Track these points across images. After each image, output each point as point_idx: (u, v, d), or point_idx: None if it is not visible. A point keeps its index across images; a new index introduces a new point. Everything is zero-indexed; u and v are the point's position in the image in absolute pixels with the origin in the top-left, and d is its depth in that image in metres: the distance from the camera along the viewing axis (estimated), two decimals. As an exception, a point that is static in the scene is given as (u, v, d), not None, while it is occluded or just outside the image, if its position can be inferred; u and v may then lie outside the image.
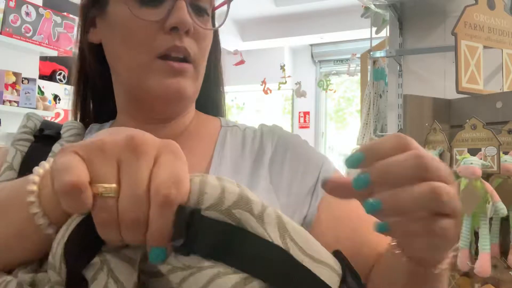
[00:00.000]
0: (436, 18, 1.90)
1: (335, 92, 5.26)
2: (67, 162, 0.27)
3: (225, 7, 0.59)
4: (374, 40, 2.09)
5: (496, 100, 1.32)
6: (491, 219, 1.19)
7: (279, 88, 4.79)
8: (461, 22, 1.45)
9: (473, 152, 1.23)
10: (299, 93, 4.84)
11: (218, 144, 0.57)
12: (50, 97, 3.05)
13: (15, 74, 2.60)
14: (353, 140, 2.06)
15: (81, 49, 0.58)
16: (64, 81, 3.30)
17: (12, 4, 2.58)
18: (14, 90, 2.59)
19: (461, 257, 1.21)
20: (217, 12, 0.60)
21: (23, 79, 2.63)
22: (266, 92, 4.84)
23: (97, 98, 0.62)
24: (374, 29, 2.06)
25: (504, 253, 1.20)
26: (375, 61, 1.97)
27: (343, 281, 0.30)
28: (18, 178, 0.46)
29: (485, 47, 1.48)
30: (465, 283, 1.28)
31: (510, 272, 1.16)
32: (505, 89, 1.49)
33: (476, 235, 1.21)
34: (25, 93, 2.63)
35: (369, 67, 2.06)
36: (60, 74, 3.29)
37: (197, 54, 0.52)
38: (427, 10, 1.92)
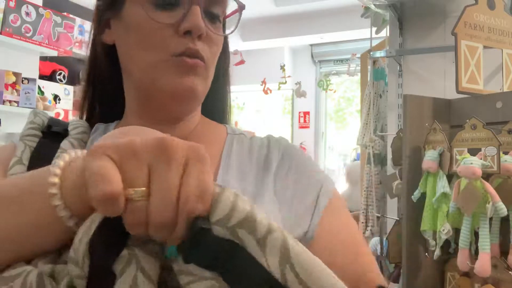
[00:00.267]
0: (436, 18, 1.90)
1: (335, 92, 5.26)
2: (102, 169, 0.28)
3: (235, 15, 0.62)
4: (374, 40, 2.09)
5: (496, 100, 1.32)
6: (491, 219, 1.19)
7: (279, 88, 4.79)
8: (461, 22, 1.45)
9: (473, 152, 1.23)
10: (299, 93, 4.84)
11: (225, 151, 0.58)
12: (50, 97, 3.05)
13: (15, 74, 2.60)
14: (353, 140, 2.06)
15: (93, 50, 0.60)
16: (64, 81, 3.30)
17: (12, 4, 2.58)
18: (14, 90, 2.59)
19: (461, 257, 1.21)
20: (227, 19, 0.62)
21: (23, 79, 2.63)
22: (266, 92, 4.84)
23: (104, 98, 0.63)
24: (374, 29, 2.06)
25: (504, 253, 1.20)
26: (375, 61, 1.97)
27: None
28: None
29: (485, 47, 1.48)
30: (465, 283, 1.28)
31: (510, 272, 1.16)
32: (505, 89, 1.48)
33: (476, 235, 1.21)
34: (25, 93, 2.63)
35: (369, 67, 2.06)
36: (60, 74, 3.29)
37: (209, 58, 0.54)
38: (427, 10, 1.92)
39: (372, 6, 1.92)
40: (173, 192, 0.28)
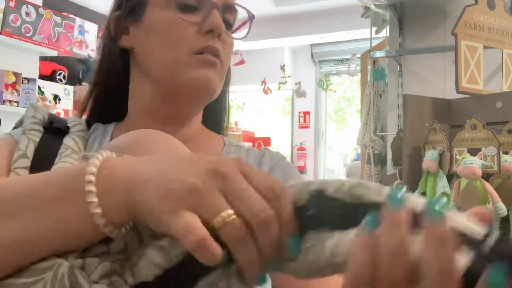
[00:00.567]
0: (436, 18, 1.90)
1: (335, 92, 5.26)
2: (184, 225, 0.30)
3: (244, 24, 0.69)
4: (374, 40, 2.09)
5: (496, 100, 1.32)
6: (491, 219, 1.19)
7: (279, 88, 4.79)
8: (461, 22, 1.45)
9: (473, 152, 1.23)
10: (299, 93, 4.84)
11: None
12: (50, 97, 3.05)
13: (15, 74, 2.60)
14: (353, 140, 2.06)
15: (104, 55, 0.62)
16: (64, 81, 3.30)
17: (12, 4, 2.58)
18: (14, 90, 2.59)
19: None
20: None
21: (23, 79, 2.63)
22: (266, 92, 4.84)
23: (107, 100, 0.65)
24: (374, 29, 2.06)
25: (504, 253, 1.20)
26: (375, 61, 1.97)
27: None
28: (31, 166, 0.49)
29: (485, 47, 1.48)
30: (465, 283, 1.28)
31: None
32: (505, 89, 1.48)
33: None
34: (25, 93, 2.63)
35: (369, 67, 2.06)
36: (60, 74, 3.29)
37: (224, 58, 0.58)
38: (427, 10, 1.92)
39: (372, 6, 1.92)
40: (261, 202, 0.31)
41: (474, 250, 0.27)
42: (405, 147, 1.38)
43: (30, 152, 0.51)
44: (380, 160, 1.83)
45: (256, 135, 5.17)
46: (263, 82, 4.78)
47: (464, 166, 1.18)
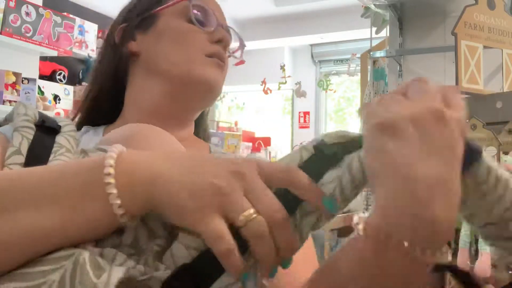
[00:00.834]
0: (436, 18, 1.90)
1: (335, 92, 5.26)
2: (215, 231, 0.33)
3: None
4: (374, 40, 2.09)
5: (496, 100, 1.32)
6: (491, 219, 1.19)
7: (279, 88, 4.79)
8: (461, 22, 1.45)
9: (473, 152, 1.24)
10: (299, 93, 4.84)
11: None
12: (50, 97, 3.05)
13: (15, 74, 2.60)
14: (353, 140, 2.06)
15: (104, 61, 0.66)
16: (64, 81, 3.30)
17: (12, 4, 2.58)
18: (14, 90, 2.59)
19: (461, 257, 1.21)
20: None
21: (23, 79, 2.63)
22: (266, 92, 4.84)
23: (100, 104, 0.67)
24: (374, 29, 2.06)
25: (504, 253, 1.20)
26: (375, 61, 1.97)
27: None
28: (26, 163, 0.49)
29: (485, 47, 1.48)
30: (465, 283, 1.28)
31: (510, 272, 1.16)
32: (505, 89, 1.48)
33: (476, 235, 1.21)
34: (25, 93, 2.63)
35: (369, 67, 2.06)
36: (60, 74, 3.29)
37: (225, 67, 0.64)
38: (427, 10, 1.92)
39: (372, 6, 1.92)
40: (274, 202, 0.34)
41: None
42: (405, 147, 1.38)
43: (24, 149, 0.51)
44: (380, 160, 1.83)
45: (256, 135, 5.16)
46: (263, 82, 4.78)
47: (464, 166, 1.18)
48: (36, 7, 2.73)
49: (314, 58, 5.46)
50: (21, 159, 0.50)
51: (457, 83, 1.40)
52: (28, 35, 2.68)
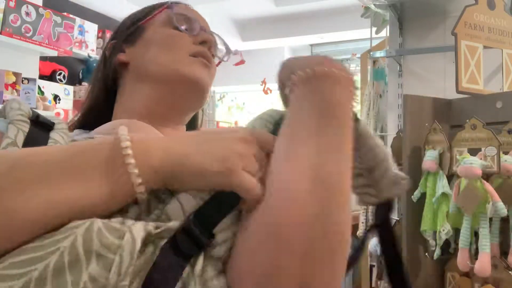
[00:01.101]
0: (436, 18, 1.90)
1: (335, 92, 5.25)
2: (250, 182, 0.41)
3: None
4: (374, 40, 2.09)
5: (496, 100, 1.32)
6: (491, 219, 1.19)
7: (279, 88, 4.78)
8: (461, 22, 1.45)
9: (473, 152, 1.23)
10: (299, 93, 4.82)
11: None
12: (50, 97, 3.05)
13: (15, 74, 2.60)
14: (353, 140, 2.06)
15: (101, 74, 0.69)
16: (64, 81, 3.30)
17: (12, 4, 2.58)
18: (14, 90, 2.59)
19: (461, 257, 1.21)
20: None
21: (23, 79, 2.63)
22: (266, 92, 4.83)
23: (98, 113, 0.70)
24: (374, 29, 2.06)
25: (504, 253, 1.20)
26: (375, 61, 1.97)
27: None
28: None
29: (485, 47, 1.48)
30: (465, 283, 1.28)
31: (510, 272, 1.16)
32: (505, 89, 1.48)
33: (476, 235, 1.21)
34: (25, 93, 2.63)
35: (369, 67, 2.06)
36: (60, 74, 3.29)
37: (212, 71, 0.66)
38: (427, 10, 1.92)
39: (372, 6, 1.92)
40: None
41: None
42: (405, 147, 1.38)
43: (20, 141, 0.51)
44: (380, 160, 1.83)
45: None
46: (263, 82, 4.78)
47: (464, 166, 1.18)
48: (36, 7, 2.73)
49: (314, 58, 5.44)
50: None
51: (457, 83, 1.40)
52: (28, 35, 2.68)
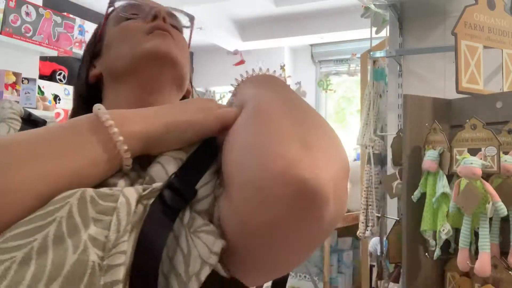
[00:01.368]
0: (436, 18, 1.90)
1: (335, 92, 5.26)
2: (227, 109, 0.49)
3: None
4: (374, 40, 2.09)
5: (496, 100, 1.32)
6: (491, 219, 1.19)
7: (279, 88, 4.78)
8: (461, 22, 1.45)
9: (473, 152, 1.23)
10: (299, 93, 4.83)
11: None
12: (50, 97, 3.05)
13: (15, 74, 2.60)
14: (353, 140, 2.06)
15: (83, 93, 0.69)
16: (64, 81, 3.30)
17: (12, 4, 2.58)
18: (14, 90, 2.59)
19: (461, 257, 1.21)
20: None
21: (23, 79, 2.63)
22: (266, 92, 4.83)
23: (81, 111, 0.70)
24: (374, 29, 2.06)
25: (504, 253, 1.20)
26: (375, 61, 1.97)
27: None
28: None
29: (485, 47, 1.48)
30: (465, 283, 1.28)
31: (510, 272, 1.16)
32: (505, 89, 1.48)
33: (476, 235, 1.21)
34: (25, 93, 2.63)
35: (369, 67, 2.06)
36: (60, 74, 3.29)
37: (176, 39, 0.63)
38: (427, 10, 1.92)
39: (372, 6, 1.92)
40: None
41: None
42: (405, 147, 1.38)
43: None
44: (380, 160, 1.83)
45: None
46: (263, 82, 4.78)
47: (464, 166, 1.18)
48: (36, 7, 2.73)
49: (314, 58, 5.46)
50: None
51: (457, 83, 1.40)
52: (28, 35, 2.68)
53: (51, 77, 3.21)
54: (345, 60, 5.14)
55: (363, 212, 1.80)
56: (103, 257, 0.35)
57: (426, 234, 1.32)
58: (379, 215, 1.79)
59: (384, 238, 1.69)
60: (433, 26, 1.90)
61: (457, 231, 1.27)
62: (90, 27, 3.47)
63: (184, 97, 0.69)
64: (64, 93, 3.15)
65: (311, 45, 5.38)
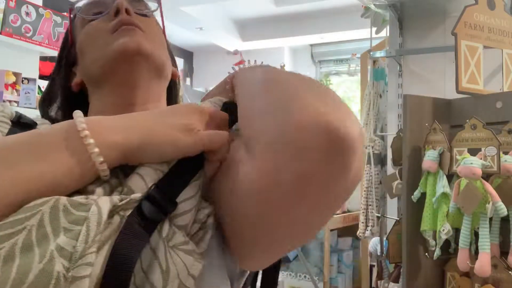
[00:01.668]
0: (436, 18, 1.90)
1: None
2: (215, 134, 0.46)
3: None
4: (374, 40, 2.09)
5: (496, 100, 1.32)
6: (491, 219, 1.19)
7: (279, 88, 4.78)
8: (461, 22, 1.45)
9: (473, 152, 1.23)
10: (299, 93, 4.83)
11: None
12: (50, 97, 3.04)
13: (15, 74, 2.60)
14: (353, 140, 2.05)
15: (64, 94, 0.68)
16: (64, 81, 3.30)
17: (12, 4, 2.58)
18: (14, 90, 2.59)
19: (461, 257, 1.21)
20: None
21: (23, 79, 2.63)
22: (266, 92, 4.83)
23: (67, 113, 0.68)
24: (374, 29, 2.06)
25: (504, 253, 1.20)
26: (375, 61, 1.97)
27: None
28: None
29: (485, 47, 1.48)
30: (465, 283, 1.28)
31: (510, 272, 1.16)
32: (505, 89, 1.48)
33: (476, 235, 1.21)
34: (25, 93, 2.63)
35: (369, 67, 2.06)
36: (60, 74, 3.28)
37: (147, 29, 0.60)
38: (427, 10, 1.92)
39: (372, 6, 1.92)
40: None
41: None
42: (405, 147, 1.38)
43: None
44: (380, 160, 1.83)
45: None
46: (263, 82, 4.78)
47: (464, 166, 1.18)
48: (36, 7, 2.73)
49: (314, 58, 5.46)
50: None
51: (457, 83, 1.40)
52: (28, 35, 2.68)
53: (51, 77, 3.21)
54: (345, 60, 5.14)
55: (363, 212, 1.80)
56: (69, 268, 0.34)
57: (426, 234, 1.32)
58: (379, 215, 1.79)
59: (384, 238, 1.70)
60: (433, 26, 1.90)
61: (457, 231, 1.27)
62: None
63: (172, 80, 0.68)
64: (64, 93, 3.15)
65: (311, 45, 5.38)
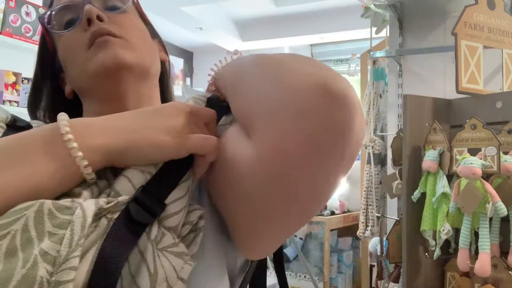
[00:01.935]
0: (436, 18, 1.90)
1: (335, 92, 5.25)
2: (204, 138, 0.45)
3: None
4: (374, 40, 2.09)
5: (496, 100, 1.32)
6: (491, 219, 1.19)
7: (279, 88, 4.78)
8: (461, 22, 1.45)
9: (473, 152, 1.23)
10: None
11: None
12: (50, 97, 3.04)
13: (15, 74, 2.60)
14: (353, 140, 2.05)
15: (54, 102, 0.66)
16: (64, 81, 3.30)
17: (12, 4, 2.58)
18: (14, 90, 2.59)
19: (461, 257, 1.21)
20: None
21: (23, 79, 2.63)
22: (266, 92, 4.83)
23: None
24: (374, 29, 2.06)
25: (504, 253, 1.20)
26: (375, 61, 1.97)
27: None
28: None
29: (485, 47, 1.48)
30: (465, 283, 1.28)
31: (510, 272, 1.16)
32: (505, 89, 1.48)
33: (476, 235, 1.21)
34: (25, 93, 2.63)
35: (369, 67, 2.06)
36: (60, 74, 3.29)
37: (124, 34, 0.58)
38: (427, 10, 1.92)
39: (372, 6, 1.92)
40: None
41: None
42: (405, 147, 1.38)
43: None
44: (380, 160, 1.83)
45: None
46: (263, 82, 4.78)
47: (464, 166, 1.18)
48: (36, 7, 2.73)
49: (314, 58, 5.44)
50: None
51: (457, 83, 1.40)
52: (28, 35, 2.68)
53: (51, 77, 3.21)
54: (345, 60, 5.14)
55: (363, 212, 1.80)
56: (53, 273, 0.33)
57: (426, 234, 1.32)
58: (379, 215, 1.79)
59: (384, 238, 1.69)
60: (433, 26, 1.90)
61: (457, 231, 1.27)
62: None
63: (163, 64, 0.67)
64: (64, 93, 3.15)
65: (311, 45, 5.38)
